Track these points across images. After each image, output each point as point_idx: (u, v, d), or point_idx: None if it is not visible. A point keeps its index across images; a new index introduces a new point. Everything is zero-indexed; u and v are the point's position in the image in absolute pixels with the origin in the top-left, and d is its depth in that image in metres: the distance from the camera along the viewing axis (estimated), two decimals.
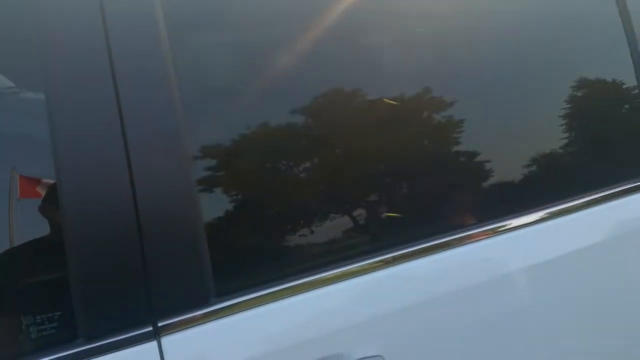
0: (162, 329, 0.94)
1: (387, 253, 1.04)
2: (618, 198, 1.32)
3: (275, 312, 0.99)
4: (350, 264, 1.03)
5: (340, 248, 1.07)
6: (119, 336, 0.93)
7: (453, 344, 1.06)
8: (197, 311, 0.96)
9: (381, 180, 1.14)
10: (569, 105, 1.37)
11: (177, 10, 1.03)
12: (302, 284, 1.00)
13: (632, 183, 1.35)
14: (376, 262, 1.04)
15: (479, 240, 1.11)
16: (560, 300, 1.15)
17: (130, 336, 0.93)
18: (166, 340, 0.94)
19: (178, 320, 0.95)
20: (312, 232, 1.06)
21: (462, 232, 1.10)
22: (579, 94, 1.40)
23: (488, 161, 1.24)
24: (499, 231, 1.16)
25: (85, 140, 0.94)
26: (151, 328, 0.94)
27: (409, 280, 1.06)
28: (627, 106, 1.49)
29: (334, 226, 1.07)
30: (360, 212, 1.09)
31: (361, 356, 0.99)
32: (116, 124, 0.95)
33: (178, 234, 0.96)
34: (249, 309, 0.98)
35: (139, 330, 0.93)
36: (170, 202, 0.96)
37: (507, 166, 1.23)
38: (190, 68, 1.02)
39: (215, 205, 1.01)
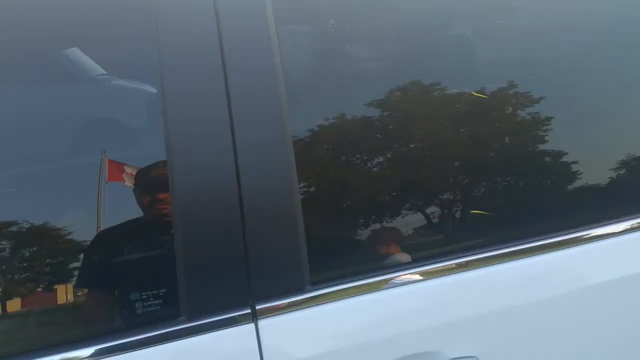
0: (260, 312, 0.98)
1: (487, 252, 1.04)
2: None
3: (370, 304, 1.00)
4: (446, 260, 1.03)
5: (438, 244, 1.09)
6: (219, 316, 0.97)
7: (548, 349, 1.06)
8: (293, 297, 0.99)
9: (484, 178, 1.15)
10: None
11: (285, 6, 1.07)
12: (398, 277, 1.02)
13: None
14: (475, 260, 1.03)
15: (574, 246, 1.10)
16: None
17: (230, 317, 0.97)
18: (263, 324, 0.98)
19: (275, 305, 0.98)
20: (409, 226, 1.07)
21: (555, 236, 1.10)
22: None
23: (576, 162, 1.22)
24: (585, 239, 1.15)
25: (196, 132, 0.98)
26: (249, 310, 0.98)
27: (505, 282, 1.04)
28: None
29: (431, 221, 1.09)
30: (458, 209, 1.10)
31: (456, 355, 1.00)
32: (225, 118, 0.99)
33: (278, 222, 0.99)
34: (344, 298, 1.00)
35: (239, 311, 0.97)
36: (272, 192, 1.00)
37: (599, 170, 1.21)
38: (296, 63, 1.05)
39: (313, 196, 1.05)
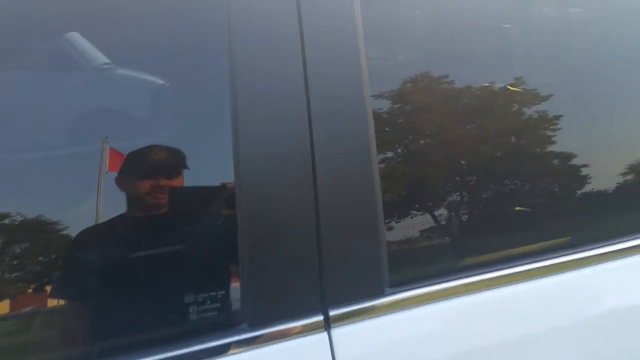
0: (333, 319, 0.84)
1: (568, 255, 0.94)
2: None
3: (456, 310, 0.87)
4: (536, 261, 0.92)
5: (524, 242, 0.97)
6: (286, 324, 0.82)
7: None
8: (371, 302, 0.86)
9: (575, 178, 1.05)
10: None
11: (373, 20, 0.94)
12: (485, 280, 0.90)
13: None
14: (557, 264, 0.93)
15: None
16: None
17: (299, 325, 0.83)
18: (337, 332, 0.84)
19: (351, 311, 0.84)
20: (494, 227, 0.96)
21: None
22: None
23: None
24: None
25: (269, 132, 0.84)
26: (322, 317, 0.84)
27: (589, 288, 0.96)
28: None
29: (515, 222, 0.98)
30: (544, 209, 1.00)
31: None
32: (303, 114, 0.86)
33: (357, 219, 0.86)
34: (427, 303, 0.87)
35: (309, 319, 0.83)
36: (351, 186, 0.86)
37: None
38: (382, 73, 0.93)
39: (395, 196, 0.92)
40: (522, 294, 0.92)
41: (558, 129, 1.06)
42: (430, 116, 0.95)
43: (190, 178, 0.88)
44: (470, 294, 0.89)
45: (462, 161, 0.98)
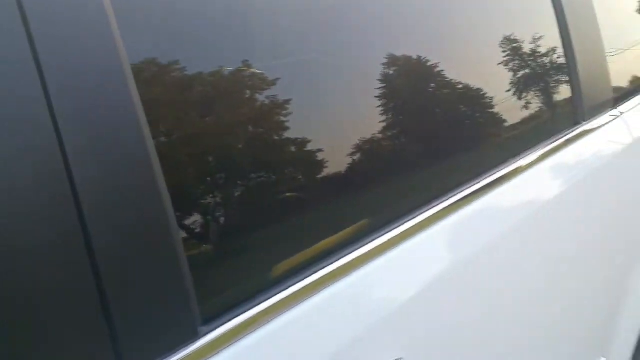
0: None
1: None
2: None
3: (283, 333, 0.73)
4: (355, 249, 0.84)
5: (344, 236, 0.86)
6: None
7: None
8: (182, 350, 0.66)
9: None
10: None
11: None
12: (301, 290, 0.76)
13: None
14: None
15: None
16: None
17: None
18: None
19: None
20: (311, 222, 0.83)
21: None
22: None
23: None
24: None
25: None
26: None
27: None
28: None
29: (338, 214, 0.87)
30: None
31: None
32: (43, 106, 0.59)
33: (143, 243, 0.65)
34: (255, 331, 0.71)
35: None
36: (131, 203, 0.64)
37: None
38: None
39: (189, 202, 0.72)
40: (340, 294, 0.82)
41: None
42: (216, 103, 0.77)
43: None
44: (288, 309, 0.75)
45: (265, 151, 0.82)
